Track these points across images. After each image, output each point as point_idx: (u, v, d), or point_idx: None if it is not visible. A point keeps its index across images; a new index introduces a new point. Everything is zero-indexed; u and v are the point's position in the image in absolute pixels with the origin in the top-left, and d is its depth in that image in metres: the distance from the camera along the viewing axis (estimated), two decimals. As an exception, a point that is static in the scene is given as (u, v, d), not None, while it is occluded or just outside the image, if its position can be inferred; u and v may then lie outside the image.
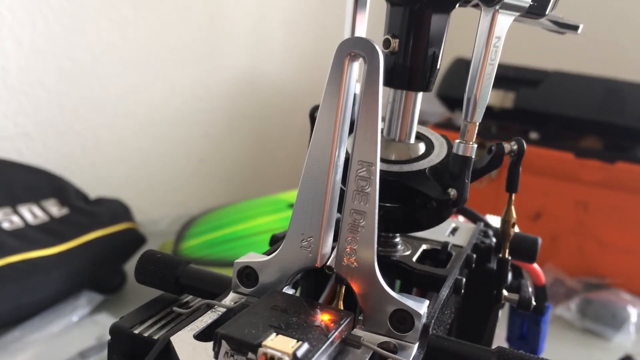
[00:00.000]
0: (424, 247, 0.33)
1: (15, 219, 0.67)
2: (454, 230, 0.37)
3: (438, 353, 0.23)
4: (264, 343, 0.20)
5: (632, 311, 0.88)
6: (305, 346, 0.20)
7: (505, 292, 0.33)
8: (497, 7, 0.25)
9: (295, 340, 0.20)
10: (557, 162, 1.01)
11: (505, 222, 0.34)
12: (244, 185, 1.15)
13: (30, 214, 0.69)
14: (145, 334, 0.24)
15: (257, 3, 1.09)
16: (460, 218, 0.46)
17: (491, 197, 1.06)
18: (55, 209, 0.72)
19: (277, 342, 0.20)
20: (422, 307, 0.23)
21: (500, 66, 1.01)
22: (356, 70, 0.23)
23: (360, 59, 0.22)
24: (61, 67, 0.81)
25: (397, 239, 0.32)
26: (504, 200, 1.19)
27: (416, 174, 0.29)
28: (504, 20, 0.26)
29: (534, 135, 1.12)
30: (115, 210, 0.77)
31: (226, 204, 0.87)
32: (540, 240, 0.36)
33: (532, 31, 0.37)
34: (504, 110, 1.07)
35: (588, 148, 1.06)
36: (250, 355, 0.20)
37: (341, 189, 0.24)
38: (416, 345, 0.23)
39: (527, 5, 0.26)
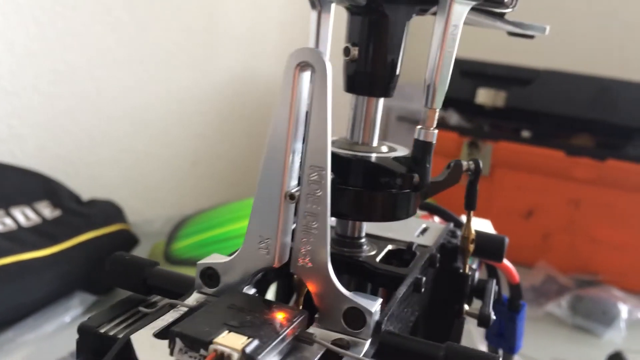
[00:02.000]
0: (389, 247, 0.34)
1: (8, 221, 0.69)
2: (424, 231, 0.38)
3: (390, 349, 0.24)
4: (215, 340, 0.21)
5: (623, 308, 0.89)
6: (255, 343, 0.21)
7: (466, 307, 0.34)
8: None
9: (246, 337, 0.21)
10: (548, 160, 1.01)
11: (465, 238, 0.35)
12: (238, 186, 1.17)
13: (23, 216, 0.70)
14: (111, 333, 0.25)
15: (251, 5, 1.10)
16: (436, 219, 0.47)
17: (483, 195, 1.07)
18: (48, 211, 0.73)
19: (228, 339, 0.21)
20: (374, 305, 0.24)
21: (491, 65, 1.02)
22: (306, 79, 0.24)
23: (310, 69, 0.24)
24: (55, 70, 0.82)
25: (363, 240, 0.33)
26: (496, 199, 1.20)
27: (381, 158, 0.30)
28: (460, 9, 0.27)
29: (525, 133, 1.13)
30: (108, 211, 0.78)
31: (218, 205, 0.88)
32: (507, 240, 0.37)
33: None
34: (496, 109, 1.08)
35: (580, 146, 1.07)
36: (202, 351, 0.21)
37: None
38: (368, 342, 0.24)
39: None
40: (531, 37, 0.36)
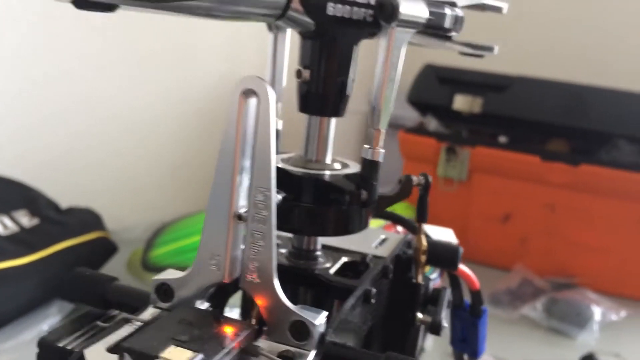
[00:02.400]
0: (344, 259, 0.35)
1: (-14, 230, 0.69)
2: (382, 242, 0.39)
3: (333, 359, 0.26)
4: (160, 355, 0.22)
5: (596, 310, 0.91)
6: (199, 357, 0.22)
7: (419, 315, 0.36)
8: (394, 24, 0.27)
9: (192, 352, 0.22)
10: (524, 165, 1.03)
11: (416, 249, 0.36)
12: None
13: (1, 225, 0.71)
14: (69, 347, 0.26)
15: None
16: (400, 229, 0.48)
17: (461, 200, 1.09)
18: (26, 220, 0.74)
19: (174, 354, 0.22)
20: (318, 317, 0.26)
21: (468, 72, 1.04)
22: (252, 105, 0.25)
23: (255, 96, 0.25)
24: (33, 77, 0.83)
25: (318, 252, 0.34)
26: (474, 204, 1.21)
27: (332, 176, 0.31)
28: (402, 37, 0.28)
29: (502, 139, 1.14)
30: (87, 219, 0.79)
31: (196, 212, 0.89)
32: (461, 250, 0.39)
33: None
34: (473, 114, 1.10)
35: (554, 151, 1.09)
36: (149, 366, 0.22)
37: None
38: (313, 353, 0.25)
39: (424, 21, 0.28)
40: (481, 56, 0.38)
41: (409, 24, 0.28)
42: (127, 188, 1.01)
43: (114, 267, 0.80)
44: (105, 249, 0.78)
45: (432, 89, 1.11)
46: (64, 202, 0.84)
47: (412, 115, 1.21)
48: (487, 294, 0.90)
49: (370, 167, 0.30)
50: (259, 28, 1.12)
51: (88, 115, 0.92)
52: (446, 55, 1.15)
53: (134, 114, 0.99)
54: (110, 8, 0.21)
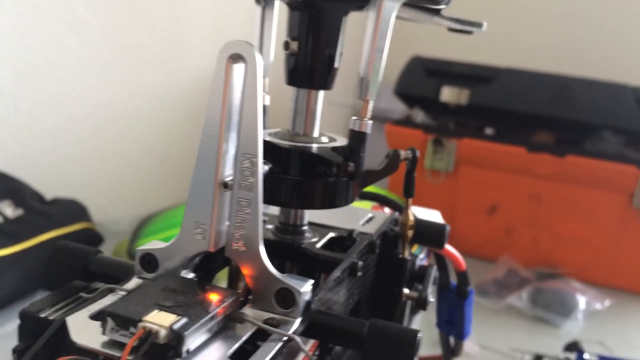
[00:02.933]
0: (331, 234, 0.35)
1: (-31, 220, 0.68)
2: (369, 220, 0.39)
3: (319, 327, 0.25)
4: (144, 318, 0.22)
5: (581, 299, 0.92)
6: (184, 320, 0.22)
7: (406, 290, 0.36)
8: None
9: (175, 316, 0.22)
10: (510, 157, 1.04)
11: (403, 225, 0.36)
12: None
13: (-16, 215, 0.70)
14: (51, 317, 0.26)
15: (216, 4, 1.11)
16: (387, 210, 0.48)
17: (448, 192, 1.10)
18: (10, 210, 0.73)
19: (158, 317, 0.22)
20: (303, 285, 0.25)
21: (455, 64, 1.04)
22: (238, 71, 0.25)
23: (242, 61, 0.25)
24: (16, 69, 0.82)
25: (305, 227, 0.34)
26: (460, 195, 1.22)
27: (319, 149, 0.31)
28: (390, 5, 0.28)
29: (489, 130, 1.15)
30: (72, 210, 0.78)
31: (181, 202, 0.88)
32: (448, 228, 0.39)
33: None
34: (459, 106, 1.10)
35: (540, 142, 1.10)
36: (132, 329, 0.22)
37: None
38: (298, 320, 0.25)
39: None
40: (469, 32, 0.38)
41: None
42: (113, 180, 1.00)
43: (99, 258, 0.79)
44: (91, 240, 0.78)
45: (419, 81, 1.11)
46: (50, 194, 0.83)
47: (399, 108, 1.21)
48: (474, 284, 0.90)
49: (357, 138, 0.30)
50: (245, 20, 1.12)
51: (74, 106, 0.91)
52: (433, 47, 1.16)
53: (120, 106, 0.98)
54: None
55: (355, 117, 0.30)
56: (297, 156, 0.30)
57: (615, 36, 1.30)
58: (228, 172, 0.26)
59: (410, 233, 0.36)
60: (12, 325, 0.67)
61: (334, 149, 0.31)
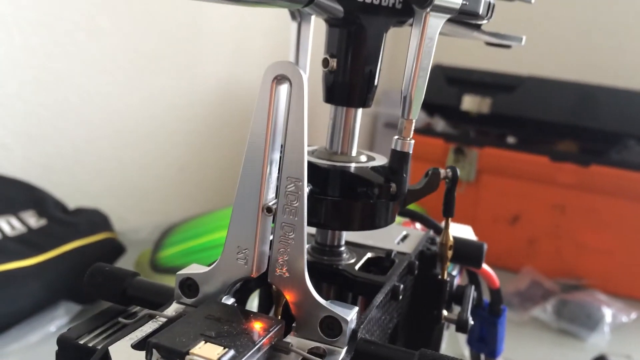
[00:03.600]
0: (368, 255, 0.34)
1: (-7, 231, 0.68)
2: (404, 238, 0.38)
3: (365, 357, 0.25)
4: (191, 351, 0.21)
5: (607, 311, 0.90)
6: (231, 353, 0.21)
7: (445, 313, 0.35)
8: (428, 9, 0.27)
9: (222, 348, 0.21)
10: (533, 166, 1.03)
11: (443, 245, 0.35)
12: (224, 193, 1.17)
13: (8, 225, 0.70)
14: (90, 344, 0.25)
15: (236, 11, 1.11)
16: (418, 226, 0.48)
17: (469, 201, 1.08)
18: (34, 220, 0.73)
19: (205, 350, 0.21)
20: (349, 313, 0.25)
21: (476, 72, 1.03)
22: (283, 92, 0.24)
23: (287, 82, 0.24)
24: (38, 79, 0.82)
25: (342, 248, 0.33)
26: (482, 205, 1.20)
27: (359, 169, 0.30)
28: (436, 23, 0.27)
29: (511, 139, 1.14)
30: (94, 220, 0.78)
31: (204, 212, 0.88)
32: (485, 246, 0.38)
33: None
34: (481, 115, 1.09)
35: (564, 152, 1.08)
36: (178, 361, 0.21)
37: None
38: (344, 350, 0.24)
39: (458, 6, 0.27)
40: (508, 46, 0.37)
41: (443, 9, 0.27)
42: (134, 189, 1.00)
43: (121, 268, 0.79)
44: (113, 250, 0.77)
45: (440, 89, 1.10)
46: (72, 203, 0.83)
47: (419, 116, 1.20)
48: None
49: (399, 158, 0.29)
50: (263, 29, 1.11)
51: (94, 115, 0.91)
52: (455, 55, 1.15)
53: (139, 115, 0.98)
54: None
55: (397, 137, 0.29)
56: (337, 177, 0.29)
57: (638, 44, 1.29)
58: (271, 196, 0.25)
59: (449, 253, 0.35)
60: (36, 336, 0.67)
61: (374, 168, 0.30)
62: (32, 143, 0.84)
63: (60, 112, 0.86)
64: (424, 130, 1.13)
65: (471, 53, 1.13)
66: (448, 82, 1.11)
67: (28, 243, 0.69)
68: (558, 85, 1.06)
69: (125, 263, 0.80)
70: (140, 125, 0.99)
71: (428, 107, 1.17)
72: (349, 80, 0.30)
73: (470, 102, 1.08)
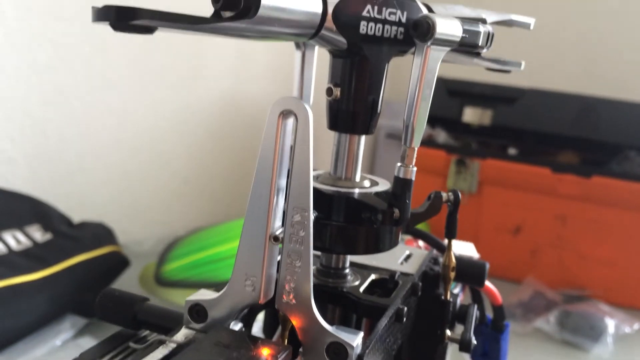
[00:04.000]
0: (373, 276, 0.35)
1: (-1, 245, 0.69)
2: (407, 258, 0.39)
3: (371, 382, 0.25)
4: (201, 379, 0.22)
5: (610, 322, 0.90)
6: (240, 381, 0.22)
7: (448, 332, 0.35)
8: (429, 42, 0.27)
9: (232, 376, 0.22)
10: (535, 177, 1.03)
11: (446, 266, 0.36)
12: (229, 206, 1.18)
13: (14, 240, 0.71)
14: (102, 369, 0.26)
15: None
16: (421, 243, 0.48)
17: (471, 212, 1.09)
18: (39, 234, 0.74)
19: (214, 378, 0.22)
20: (355, 338, 0.25)
21: (477, 84, 1.04)
22: (290, 125, 0.25)
23: (293, 116, 0.25)
24: (45, 94, 0.83)
25: (347, 270, 0.34)
26: (484, 216, 1.21)
27: (363, 194, 0.31)
28: (436, 55, 0.28)
29: (512, 150, 1.14)
30: (99, 233, 0.79)
31: (209, 225, 0.89)
32: (487, 265, 0.38)
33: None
34: (482, 127, 1.10)
35: (565, 163, 1.09)
36: (189, 390, 0.22)
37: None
38: (350, 375, 0.25)
39: (458, 39, 0.28)
40: (508, 71, 0.38)
41: (444, 42, 0.27)
42: (137, 202, 1.01)
43: (126, 282, 0.80)
44: (118, 263, 0.78)
45: (441, 102, 1.11)
46: (76, 215, 0.84)
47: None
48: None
49: (402, 185, 0.30)
50: (263, 44, 1.12)
51: (99, 130, 0.92)
52: (455, 68, 1.15)
53: (145, 128, 0.99)
54: (149, 30, 0.21)
55: (400, 164, 0.30)
56: (342, 202, 0.30)
57: (638, 55, 1.29)
58: (278, 224, 0.26)
59: (452, 275, 0.35)
60: (42, 350, 0.67)
61: (378, 194, 0.31)
62: (38, 157, 0.85)
63: (65, 126, 0.87)
64: (425, 142, 1.14)
65: (472, 65, 1.14)
66: (449, 94, 1.11)
67: (34, 257, 0.70)
68: (558, 97, 1.07)
69: (129, 276, 0.81)
70: (144, 138, 1.00)
71: (430, 119, 1.16)
72: (353, 109, 0.31)
73: (471, 114, 1.09)
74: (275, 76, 1.20)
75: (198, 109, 1.08)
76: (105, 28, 0.22)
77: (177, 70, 1.02)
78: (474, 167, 1.06)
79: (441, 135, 1.15)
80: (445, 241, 0.38)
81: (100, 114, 0.92)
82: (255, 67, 1.17)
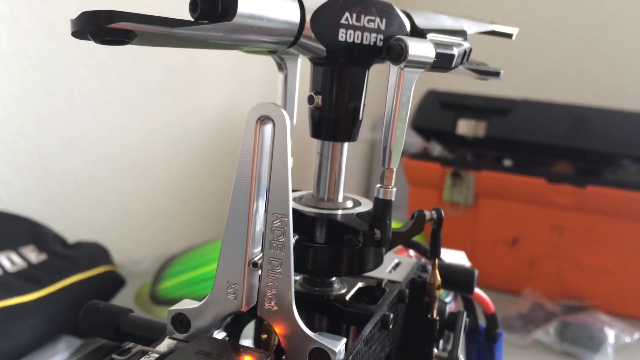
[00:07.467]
0: (359, 284, 0.35)
1: (-6, 267, 0.69)
2: (396, 266, 0.39)
3: (354, 388, 0.25)
4: (181, 386, 0.21)
5: (610, 332, 0.90)
6: (220, 387, 0.22)
7: (435, 351, 0.35)
8: (402, 65, 0.28)
9: (212, 383, 0.22)
10: (530, 188, 1.03)
11: (431, 285, 0.36)
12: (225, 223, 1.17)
13: (9, 261, 0.71)
14: (85, 382, 0.26)
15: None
16: (412, 252, 0.48)
17: (468, 224, 1.09)
18: (34, 255, 0.74)
19: (194, 385, 0.22)
20: (337, 344, 0.25)
21: (470, 97, 1.05)
22: (268, 131, 0.25)
23: (271, 122, 0.25)
24: (40, 115, 0.84)
25: (333, 279, 0.34)
26: (481, 227, 1.21)
27: (345, 216, 0.31)
28: (410, 77, 0.29)
29: (507, 162, 1.15)
30: (94, 253, 0.78)
31: (203, 243, 0.89)
32: (476, 273, 0.38)
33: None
34: (476, 139, 1.11)
35: (560, 173, 1.09)
36: (169, 399, 0.22)
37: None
38: (334, 381, 0.25)
39: (431, 61, 0.29)
40: (486, 79, 0.38)
41: (417, 64, 0.28)
42: (133, 222, 1.01)
43: (121, 301, 0.79)
44: (114, 283, 0.78)
45: (435, 115, 1.12)
46: (72, 235, 0.84)
47: (416, 141, 1.21)
48: (499, 318, 0.89)
49: (383, 206, 0.30)
50: (260, 59, 1.13)
51: (95, 149, 0.93)
52: (449, 81, 1.16)
53: (139, 148, 1.00)
54: (127, 36, 0.21)
55: (379, 185, 0.30)
56: (323, 225, 0.30)
57: (631, 65, 1.30)
58: (259, 228, 0.26)
59: (438, 294, 0.35)
60: (36, 372, 0.67)
61: (359, 215, 0.31)
62: (33, 178, 0.85)
63: (61, 147, 0.88)
64: (421, 155, 1.15)
65: (465, 78, 1.14)
66: (443, 107, 1.12)
67: (29, 278, 0.70)
68: (551, 107, 1.08)
69: (125, 295, 0.81)
70: (140, 158, 1.00)
71: (424, 132, 1.18)
72: (334, 116, 0.31)
73: (465, 127, 1.10)
74: (270, 92, 1.21)
75: (193, 127, 1.09)
76: (98, 47, 0.22)
77: (172, 88, 1.03)
78: (469, 179, 1.06)
79: (436, 148, 1.15)
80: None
81: (95, 134, 0.92)
82: (250, 83, 1.18)
